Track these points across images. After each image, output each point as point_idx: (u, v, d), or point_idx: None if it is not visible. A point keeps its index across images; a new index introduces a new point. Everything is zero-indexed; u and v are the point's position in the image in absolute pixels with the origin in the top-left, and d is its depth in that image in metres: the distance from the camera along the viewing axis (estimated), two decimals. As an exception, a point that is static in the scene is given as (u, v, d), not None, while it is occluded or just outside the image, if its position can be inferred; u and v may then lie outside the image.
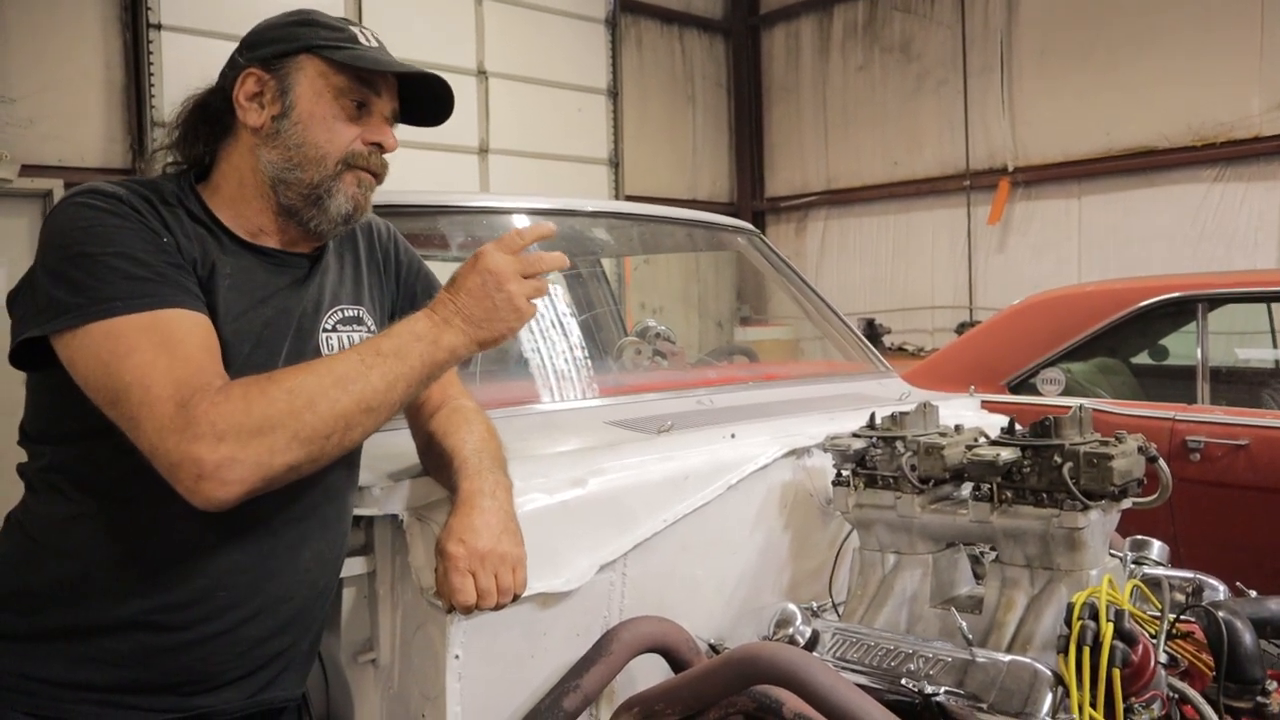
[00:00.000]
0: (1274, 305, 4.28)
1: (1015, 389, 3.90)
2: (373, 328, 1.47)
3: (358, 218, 1.39)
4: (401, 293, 1.56)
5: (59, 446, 1.29)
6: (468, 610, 1.30)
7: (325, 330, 1.39)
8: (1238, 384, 3.99)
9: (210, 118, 1.36)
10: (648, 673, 1.62)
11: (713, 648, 1.71)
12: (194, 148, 1.37)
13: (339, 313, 1.42)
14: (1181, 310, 3.73)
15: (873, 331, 8.67)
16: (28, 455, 1.33)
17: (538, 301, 1.30)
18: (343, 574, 1.53)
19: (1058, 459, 1.58)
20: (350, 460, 1.44)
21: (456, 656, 1.44)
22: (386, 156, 1.41)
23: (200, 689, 1.30)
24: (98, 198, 1.23)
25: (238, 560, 1.29)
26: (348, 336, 1.42)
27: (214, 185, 1.36)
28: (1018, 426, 1.73)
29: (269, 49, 1.34)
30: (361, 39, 1.36)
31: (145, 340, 1.15)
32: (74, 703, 1.25)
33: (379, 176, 1.39)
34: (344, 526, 1.45)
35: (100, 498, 1.26)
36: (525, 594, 1.38)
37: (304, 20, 1.36)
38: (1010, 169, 8.75)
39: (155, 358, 1.14)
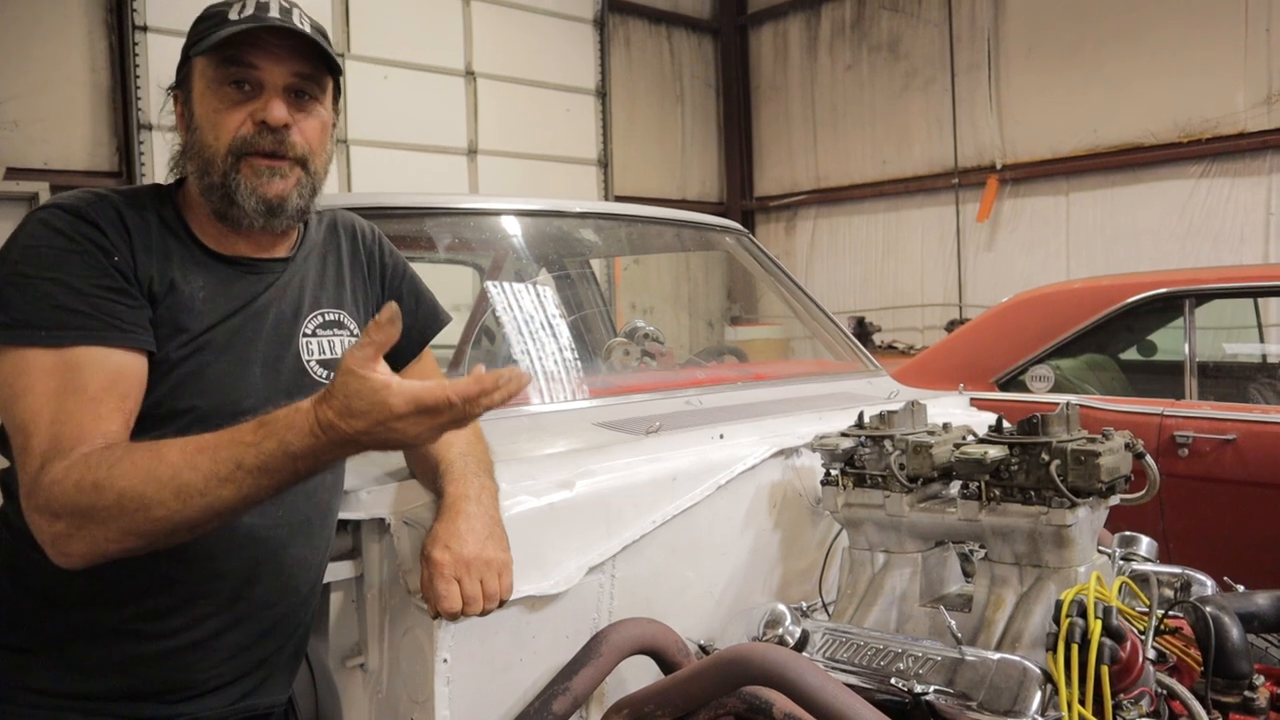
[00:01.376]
0: (1260, 300, 4.31)
1: (1005, 386, 3.91)
2: (355, 331, 1.45)
3: (284, 206, 1.31)
4: (386, 296, 1.55)
5: None
6: (454, 616, 1.30)
7: (305, 335, 1.38)
8: (1225, 379, 4.01)
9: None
10: (637, 675, 1.62)
11: (702, 649, 1.70)
12: (180, 167, 1.37)
13: (319, 317, 1.41)
14: (1169, 306, 3.75)
15: (862, 330, 8.70)
16: (8, 461, 1.31)
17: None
18: (330, 578, 1.52)
19: (1045, 456, 1.58)
20: (335, 464, 1.43)
21: (445, 660, 1.44)
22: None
23: (184, 696, 1.29)
24: (56, 214, 1.22)
25: (219, 567, 1.28)
26: (328, 341, 1.41)
27: (184, 196, 1.36)
28: (1006, 424, 1.73)
29: (179, 67, 1.33)
30: (232, 12, 1.27)
31: (44, 382, 1.14)
32: (57, 710, 1.24)
33: (281, 155, 1.30)
34: (328, 531, 1.45)
35: None
36: (513, 597, 1.37)
37: (194, 23, 1.32)
38: (998, 166, 8.78)
39: (46, 404, 1.13)
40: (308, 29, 1.30)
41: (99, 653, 1.25)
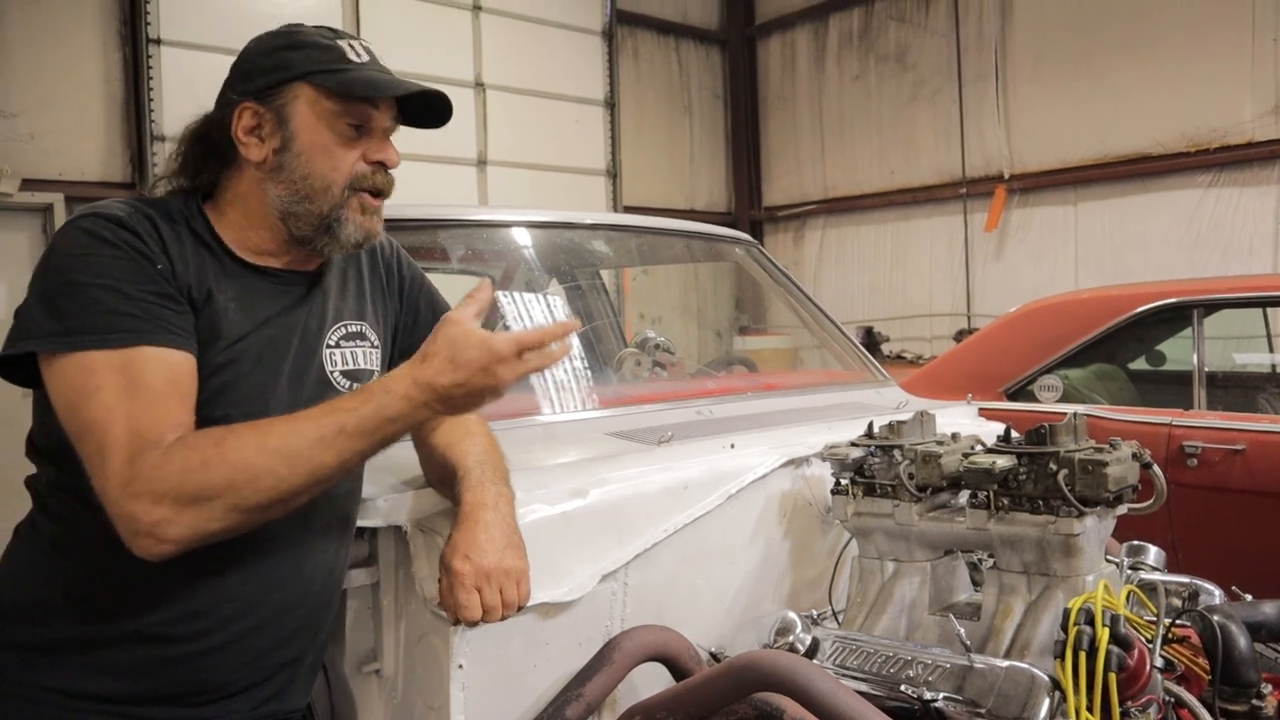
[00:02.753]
0: (1269, 310, 4.31)
1: (1013, 396, 3.91)
2: (376, 343, 1.49)
3: (370, 243, 1.40)
4: (405, 307, 1.58)
5: (62, 461, 1.29)
6: (473, 624, 1.32)
7: (329, 346, 1.41)
8: (1234, 389, 4.01)
9: (211, 150, 1.36)
10: (649, 681, 1.64)
11: (714, 656, 1.72)
12: (199, 177, 1.37)
13: (342, 329, 1.44)
14: (1177, 316, 3.75)
15: (871, 340, 8.70)
16: (35, 468, 1.34)
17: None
18: (347, 585, 1.55)
19: (1053, 466, 1.59)
20: (355, 472, 1.46)
21: (460, 666, 1.46)
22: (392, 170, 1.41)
23: (208, 699, 1.32)
24: (99, 223, 1.24)
25: (242, 572, 1.31)
26: (350, 352, 1.43)
27: (220, 208, 1.37)
28: (1014, 434, 1.75)
29: (261, 80, 1.32)
30: (351, 54, 1.35)
31: (112, 381, 1.17)
32: (83, 713, 1.27)
33: (384, 194, 1.39)
34: (347, 538, 1.47)
35: (102, 511, 1.26)
36: (528, 604, 1.40)
37: (291, 44, 1.34)
38: (1006, 176, 8.78)
39: (119, 401, 1.16)
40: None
41: (124, 656, 1.27)
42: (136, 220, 1.26)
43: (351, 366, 1.43)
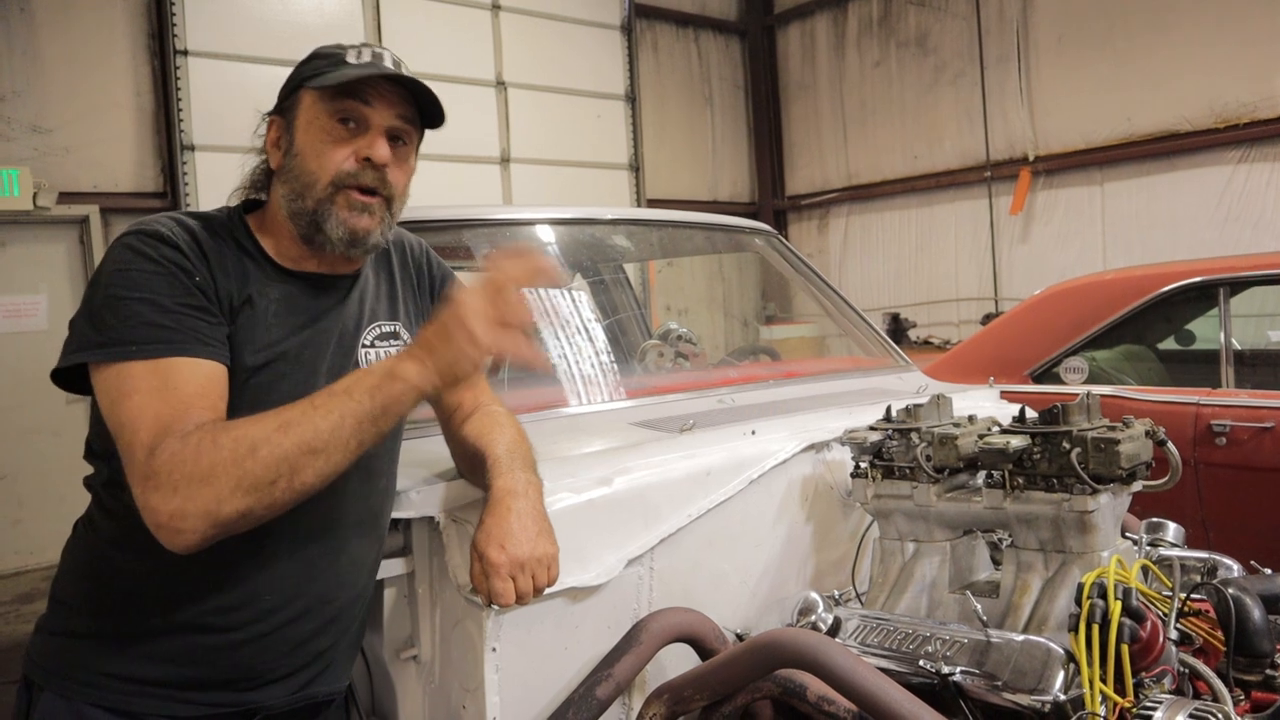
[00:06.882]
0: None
1: (1039, 379, 3.92)
2: (409, 340, 1.55)
3: (366, 240, 1.41)
4: (437, 302, 1.63)
5: (113, 462, 1.37)
6: (507, 608, 1.39)
7: (364, 345, 1.48)
8: (1263, 366, 3.98)
9: (264, 165, 1.47)
10: (676, 662, 1.69)
11: (739, 637, 1.76)
12: (257, 191, 1.48)
13: (377, 329, 1.51)
14: (1204, 295, 3.73)
15: (898, 325, 8.68)
16: (92, 469, 1.42)
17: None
18: (384, 575, 1.61)
19: (1066, 445, 1.62)
20: (388, 470, 1.53)
21: (494, 649, 1.52)
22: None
23: (251, 685, 1.40)
24: (142, 239, 1.31)
25: (282, 566, 1.38)
26: (385, 350, 1.50)
27: (263, 220, 1.45)
28: (1030, 414, 1.77)
29: (282, 96, 1.44)
30: (350, 57, 1.40)
31: (145, 383, 1.23)
32: (139, 696, 1.35)
33: (378, 192, 1.41)
34: (380, 532, 1.54)
35: None
36: (557, 589, 1.46)
37: (306, 59, 1.44)
38: (1031, 158, 8.72)
39: (148, 401, 1.22)
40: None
41: (173, 645, 1.35)
42: (178, 234, 1.33)
43: None
